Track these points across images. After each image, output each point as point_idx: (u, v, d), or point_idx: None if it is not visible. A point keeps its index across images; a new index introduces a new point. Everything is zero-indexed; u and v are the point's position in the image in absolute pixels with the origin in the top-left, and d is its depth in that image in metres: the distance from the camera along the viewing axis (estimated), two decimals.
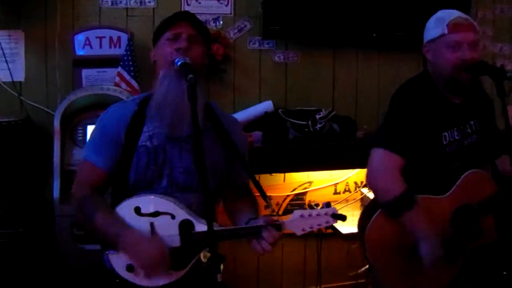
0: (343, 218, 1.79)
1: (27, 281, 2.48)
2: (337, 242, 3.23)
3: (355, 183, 3.31)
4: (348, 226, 2.76)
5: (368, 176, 2.11)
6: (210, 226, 1.48)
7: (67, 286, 2.49)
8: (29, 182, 2.62)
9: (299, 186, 3.24)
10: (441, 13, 2.11)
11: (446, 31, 2.03)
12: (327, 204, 1.80)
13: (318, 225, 1.78)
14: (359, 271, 3.14)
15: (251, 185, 2.01)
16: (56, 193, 2.45)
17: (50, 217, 2.49)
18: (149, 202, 1.72)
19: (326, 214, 1.78)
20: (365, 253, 2.10)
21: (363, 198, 3.22)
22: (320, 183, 3.27)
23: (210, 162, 1.82)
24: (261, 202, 2.00)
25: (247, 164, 1.96)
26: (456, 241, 2.05)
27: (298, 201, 3.23)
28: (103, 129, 1.85)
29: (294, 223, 1.77)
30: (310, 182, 3.25)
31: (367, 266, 2.57)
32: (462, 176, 2.07)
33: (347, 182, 3.31)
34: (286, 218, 1.78)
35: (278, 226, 1.73)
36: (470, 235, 2.07)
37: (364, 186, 3.24)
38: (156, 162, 1.79)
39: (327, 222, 1.78)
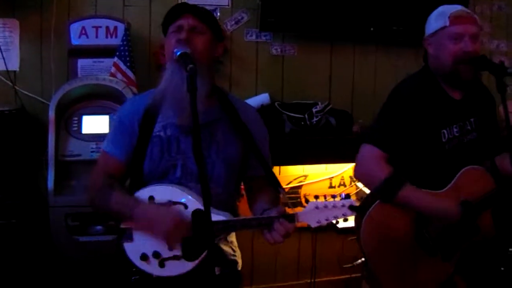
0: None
1: (20, 273, 2.46)
2: (332, 236, 3.23)
3: (351, 177, 3.31)
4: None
5: (354, 169, 2.14)
6: (208, 217, 1.44)
7: (61, 278, 2.47)
8: (23, 172, 2.60)
9: (294, 179, 3.23)
10: (442, 8, 2.12)
11: (447, 23, 2.04)
12: (346, 196, 1.75)
13: (334, 217, 1.71)
14: (355, 263, 3.13)
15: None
16: (50, 184, 2.43)
17: (44, 208, 2.47)
18: (163, 192, 1.73)
19: (343, 206, 1.71)
20: (361, 248, 2.10)
21: (358, 193, 3.22)
22: (316, 176, 3.26)
23: (222, 153, 1.83)
24: None
25: (267, 155, 1.95)
26: (453, 238, 2.05)
27: (293, 194, 3.22)
28: (119, 121, 1.89)
29: (309, 214, 1.71)
30: (305, 176, 3.24)
31: (362, 259, 2.56)
32: (459, 173, 2.07)
33: (343, 176, 3.31)
34: (300, 210, 1.73)
35: (291, 218, 1.68)
36: (467, 232, 2.06)
37: None
38: (169, 152, 1.81)
39: (343, 214, 1.71)
